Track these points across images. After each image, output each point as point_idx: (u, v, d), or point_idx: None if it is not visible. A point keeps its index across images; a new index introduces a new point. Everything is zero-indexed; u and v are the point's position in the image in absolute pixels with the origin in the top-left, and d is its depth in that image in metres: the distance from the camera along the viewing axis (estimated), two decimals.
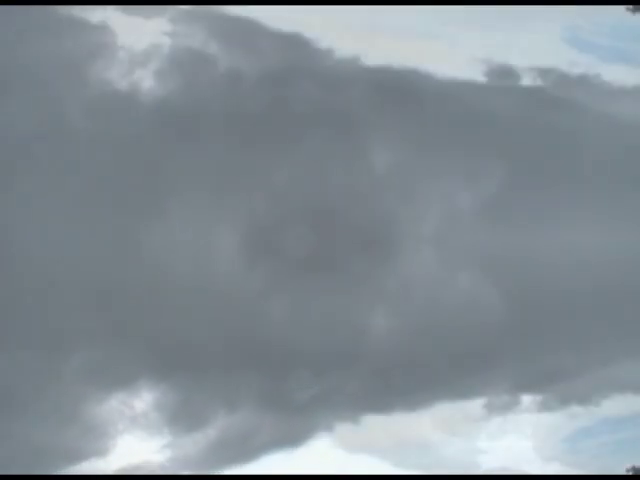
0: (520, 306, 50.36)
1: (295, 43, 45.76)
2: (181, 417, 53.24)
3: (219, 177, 48.82)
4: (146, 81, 45.45)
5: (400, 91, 46.00)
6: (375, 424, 57.50)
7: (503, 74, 43.84)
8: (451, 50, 44.92)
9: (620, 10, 44.71)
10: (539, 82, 45.82)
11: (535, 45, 45.96)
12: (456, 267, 49.47)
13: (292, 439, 54.00)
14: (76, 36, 44.05)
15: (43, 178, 43.65)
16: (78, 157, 44.34)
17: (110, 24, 45.51)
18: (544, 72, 44.80)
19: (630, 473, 43.78)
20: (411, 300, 49.37)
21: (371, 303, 49.35)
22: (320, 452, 55.97)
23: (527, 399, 54.40)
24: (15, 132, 42.55)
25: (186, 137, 46.01)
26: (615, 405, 50.81)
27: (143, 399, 54.43)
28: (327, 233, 47.67)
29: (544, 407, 54.16)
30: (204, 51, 46.12)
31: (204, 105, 45.30)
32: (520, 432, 55.70)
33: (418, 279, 49.03)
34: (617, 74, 48.00)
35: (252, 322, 50.19)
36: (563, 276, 49.21)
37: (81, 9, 44.01)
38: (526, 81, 46.05)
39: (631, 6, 41.23)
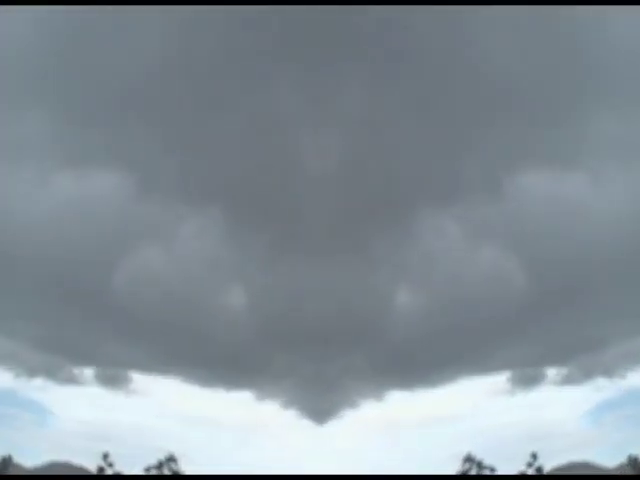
0: (543, 280, 50.53)
1: None
2: None
3: None
4: None
5: None
6: (399, 400, 58.05)
7: None
8: None
9: None
10: None
11: None
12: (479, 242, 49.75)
13: (318, 416, 54.68)
14: None
15: None
16: None
17: None
18: None
19: None
20: (434, 275, 49.95)
21: (394, 280, 50.00)
22: (345, 428, 56.50)
23: (552, 372, 54.76)
24: None
25: None
26: None
27: None
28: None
29: (569, 380, 54.34)
30: None
31: None
32: (545, 405, 55.89)
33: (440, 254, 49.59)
34: None
35: (277, 303, 50.96)
36: (588, 248, 49.12)
37: None
38: None
39: None
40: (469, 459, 50.31)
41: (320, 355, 51.97)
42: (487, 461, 49.85)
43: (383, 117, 49.78)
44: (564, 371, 55.29)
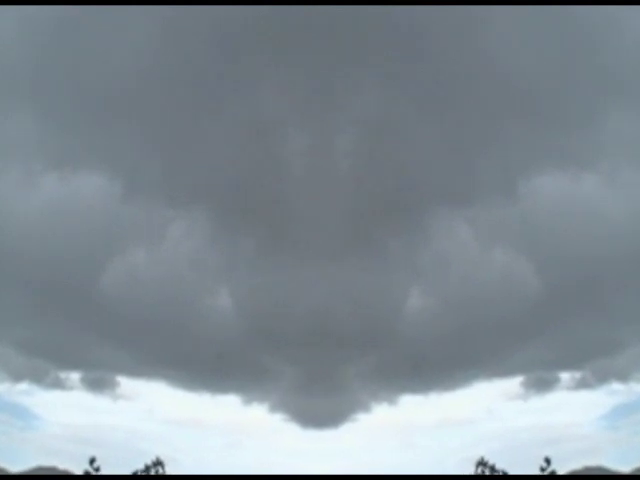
0: (557, 282, 50.12)
1: None
2: None
3: None
4: None
5: None
6: (412, 404, 57.82)
7: None
8: None
9: None
10: None
11: None
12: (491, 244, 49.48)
13: (331, 419, 54.57)
14: None
15: None
16: None
17: None
18: None
19: None
20: (447, 277, 49.72)
21: (407, 282, 49.83)
22: (358, 432, 56.37)
23: (565, 376, 54.40)
24: None
25: None
26: None
27: None
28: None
29: (583, 384, 53.95)
30: None
31: None
32: (559, 409, 55.49)
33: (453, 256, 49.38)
34: None
35: (290, 305, 50.90)
36: (603, 250, 48.69)
37: None
38: None
39: None
40: (482, 463, 50.00)
41: (333, 358, 51.92)
42: (500, 465, 49.57)
43: (398, 118, 49.76)
44: (578, 375, 55.02)
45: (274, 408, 58.25)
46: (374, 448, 57.80)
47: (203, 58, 51.07)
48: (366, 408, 55.79)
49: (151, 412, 61.55)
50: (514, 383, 55.89)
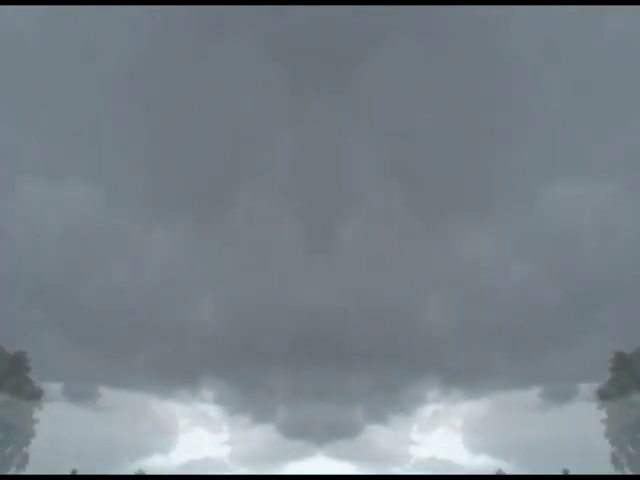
0: (576, 293, 50.04)
1: None
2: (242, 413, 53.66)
3: None
4: None
5: None
6: (430, 412, 57.32)
7: None
8: None
9: None
10: None
11: None
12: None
13: (348, 431, 54.15)
14: None
15: None
16: None
17: None
18: None
19: None
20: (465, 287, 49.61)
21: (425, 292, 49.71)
22: (374, 443, 55.86)
23: (584, 387, 53.87)
24: None
25: None
26: None
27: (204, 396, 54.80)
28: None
29: (602, 396, 53.34)
30: None
31: None
32: (577, 421, 54.91)
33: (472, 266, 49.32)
34: None
35: (306, 316, 50.67)
36: (621, 261, 48.66)
37: None
38: None
39: None
40: (499, 474, 49.74)
41: (345, 371, 51.66)
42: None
43: (417, 127, 49.88)
44: (597, 386, 54.46)
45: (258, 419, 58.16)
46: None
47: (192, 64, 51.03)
48: (383, 420, 55.59)
49: (133, 422, 61.01)
50: (532, 394, 55.44)
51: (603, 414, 52.38)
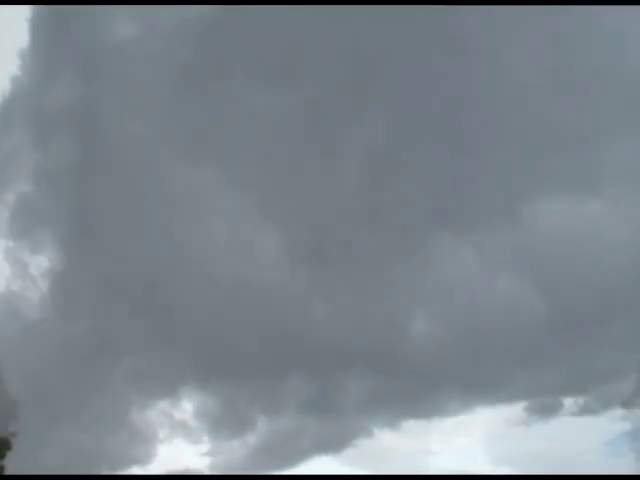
0: (561, 308, 49.87)
1: None
2: (222, 424, 53.25)
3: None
4: None
5: None
6: (414, 430, 57.15)
7: None
8: None
9: None
10: None
11: None
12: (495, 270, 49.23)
13: (333, 445, 53.93)
14: None
15: None
16: None
17: None
18: None
19: None
20: (450, 303, 49.30)
21: (411, 306, 49.34)
22: (360, 457, 55.77)
23: (569, 402, 53.91)
24: None
25: None
26: None
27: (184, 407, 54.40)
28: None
29: (586, 410, 53.44)
30: None
31: None
32: (562, 436, 54.95)
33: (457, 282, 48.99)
34: None
35: (293, 326, 50.19)
36: (606, 276, 48.55)
37: None
38: None
39: None
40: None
41: (330, 384, 51.34)
42: None
43: (399, 142, 49.37)
44: (582, 401, 54.50)
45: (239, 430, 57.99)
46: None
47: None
48: (368, 433, 55.24)
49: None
50: (517, 409, 55.42)
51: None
